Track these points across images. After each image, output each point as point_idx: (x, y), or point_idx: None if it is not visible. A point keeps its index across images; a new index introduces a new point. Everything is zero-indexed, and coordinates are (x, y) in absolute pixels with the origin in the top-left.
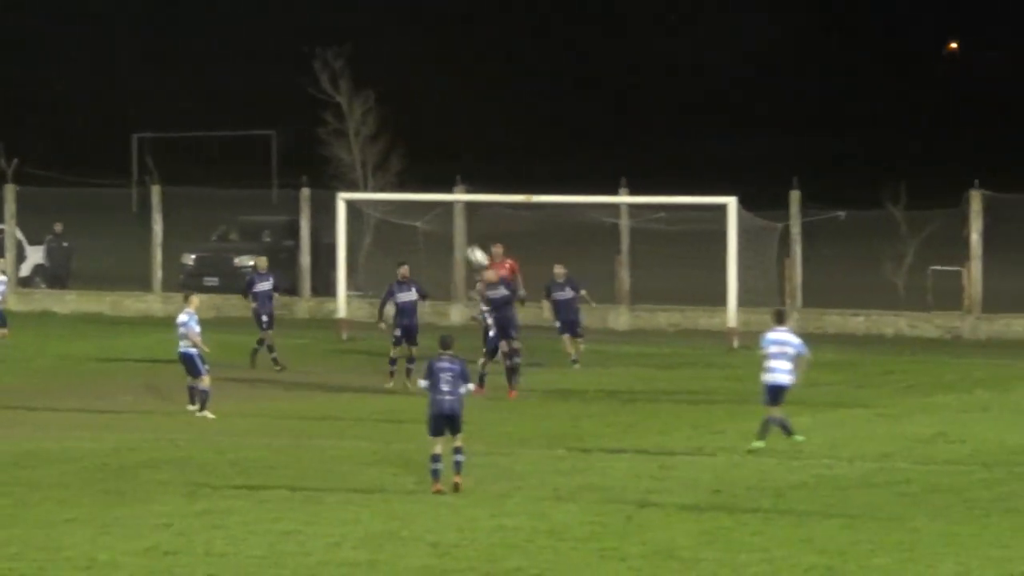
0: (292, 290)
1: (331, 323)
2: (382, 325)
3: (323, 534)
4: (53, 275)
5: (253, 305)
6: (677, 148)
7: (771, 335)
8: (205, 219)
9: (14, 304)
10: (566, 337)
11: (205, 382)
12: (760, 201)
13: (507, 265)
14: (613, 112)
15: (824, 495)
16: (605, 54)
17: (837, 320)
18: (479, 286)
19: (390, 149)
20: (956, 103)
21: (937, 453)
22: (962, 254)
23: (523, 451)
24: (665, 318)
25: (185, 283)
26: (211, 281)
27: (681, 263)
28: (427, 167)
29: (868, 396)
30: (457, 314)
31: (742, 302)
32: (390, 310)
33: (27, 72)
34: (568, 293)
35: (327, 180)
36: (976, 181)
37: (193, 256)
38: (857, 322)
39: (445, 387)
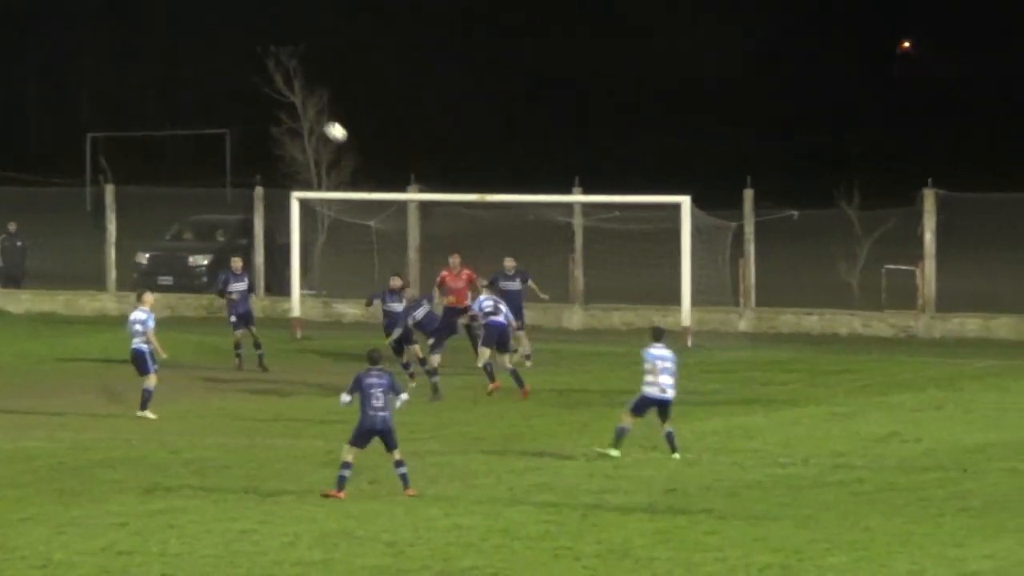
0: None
1: (285, 322)
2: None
3: (278, 533)
4: (8, 275)
5: (227, 305)
6: (631, 147)
7: (654, 351)
8: (159, 218)
9: None
10: (521, 334)
11: (151, 381)
12: (714, 200)
13: (464, 275)
14: (567, 111)
15: (778, 494)
16: (560, 54)
17: (791, 319)
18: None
19: (343, 148)
20: (909, 102)
21: (891, 452)
22: (916, 253)
23: (477, 451)
24: (619, 317)
25: (139, 282)
26: (165, 280)
27: (635, 262)
28: (381, 166)
29: (822, 395)
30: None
31: (696, 301)
32: (377, 310)
33: None
34: (516, 284)
35: (281, 179)
36: (929, 180)
37: (147, 255)
38: (811, 321)
39: (377, 402)
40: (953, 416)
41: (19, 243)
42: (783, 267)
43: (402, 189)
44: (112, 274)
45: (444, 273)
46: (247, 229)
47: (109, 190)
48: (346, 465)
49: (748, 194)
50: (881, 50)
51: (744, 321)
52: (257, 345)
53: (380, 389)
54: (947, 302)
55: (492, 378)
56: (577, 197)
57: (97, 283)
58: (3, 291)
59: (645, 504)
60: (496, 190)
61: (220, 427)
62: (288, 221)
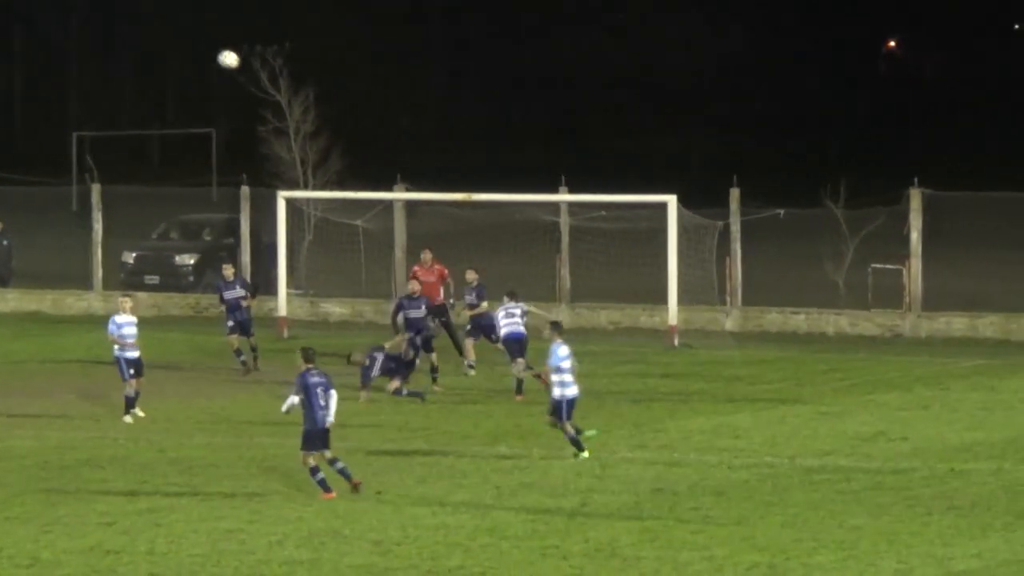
0: None
1: (272, 321)
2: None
3: (265, 532)
4: None
5: (226, 311)
6: (617, 147)
7: (562, 350)
8: (145, 217)
9: None
10: (470, 341)
11: (131, 387)
12: (700, 199)
13: (435, 270)
14: (554, 111)
15: (765, 493)
16: (546, 53)
17: (778, 318)
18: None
19: (330, 147)
20: (895, 101)
21: (878, 451)
22: (902, 252)
23: (465, 450)
24: (605, 316)
25: (125, 281)
26: (151, 279)
27: (621, 261)
28: (367, 165)
29: (809, 394)
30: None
31: (682, 300)
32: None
33: None
34: (473, 300)
35: (267, 178)
36: (915, 179)
37: (133, 254)
38: (798, 320)
39: (321, 400)
40: (939, 415)
41: (5, 242)
42: (769, 266)
43: (388, 188)
44: (98, 273)
45: (416, 268)
46: (233, 228)
47: (95, 189)
48: (315, 469)
49: (734, 193)
50: (867, 49)
51: (730, 320)
52: (253, 348)
53: (321, 388)
54: (933, 301)
55: (520, 390)
56: (563, 196)
57: (83, 282)
58: None
59: (632, 503)
60: (482, 189)
61: (206, 426)
62: (274, 220)
